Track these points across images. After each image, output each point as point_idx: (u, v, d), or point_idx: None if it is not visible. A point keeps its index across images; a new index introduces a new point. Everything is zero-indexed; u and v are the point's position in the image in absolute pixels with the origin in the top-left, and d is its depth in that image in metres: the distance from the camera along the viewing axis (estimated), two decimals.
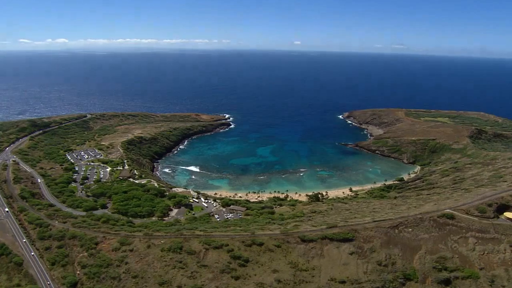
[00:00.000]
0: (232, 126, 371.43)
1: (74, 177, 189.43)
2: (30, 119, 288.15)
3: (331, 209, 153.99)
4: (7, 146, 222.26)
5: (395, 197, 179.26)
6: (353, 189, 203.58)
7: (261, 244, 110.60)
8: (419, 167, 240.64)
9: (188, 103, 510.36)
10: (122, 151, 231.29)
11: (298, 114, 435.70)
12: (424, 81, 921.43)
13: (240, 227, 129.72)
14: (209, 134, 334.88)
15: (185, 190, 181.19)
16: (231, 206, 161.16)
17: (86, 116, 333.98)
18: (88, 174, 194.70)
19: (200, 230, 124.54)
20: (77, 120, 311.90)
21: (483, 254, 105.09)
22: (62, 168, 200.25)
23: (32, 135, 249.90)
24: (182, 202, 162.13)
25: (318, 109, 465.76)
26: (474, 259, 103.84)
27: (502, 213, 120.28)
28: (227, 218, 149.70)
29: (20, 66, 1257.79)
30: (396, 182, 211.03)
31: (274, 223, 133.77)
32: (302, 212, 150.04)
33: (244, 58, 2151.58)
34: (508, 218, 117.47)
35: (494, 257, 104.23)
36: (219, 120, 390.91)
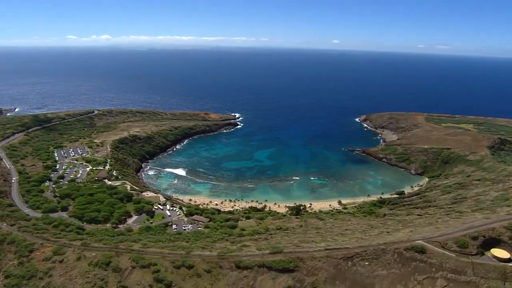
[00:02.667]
0: (239, 126, 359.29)
1: (51, 175, 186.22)
2: (34, 114, 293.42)
3: (301, 226, 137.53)
4: None
5: (384, 215, 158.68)
6: (343, 201, 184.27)
7: (190, 267, 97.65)
8: (426, 180, 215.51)
9: (209, 101, 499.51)
10: (109, 150, 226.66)
11: (312, 116, 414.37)
12: (462, 83, 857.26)
13: (187, 242, 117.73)
14: (212, 134, 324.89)
15: (155, 195, 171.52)
16: (194, 216, 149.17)
17: (93, 112, 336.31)
18: (66, 173, 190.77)
19: (142, 244, 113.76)
20: (81, 116, 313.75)
21: None
22: (43, 165, 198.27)
23: (29, 130, 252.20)
24: (144, 209, 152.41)
25: (335, 111, 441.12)
26: None
27: (489, 250, 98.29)
28: (184, 229, 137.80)
29: (65, 61, 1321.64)
30: (394, 196, 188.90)
31: (227, 240, 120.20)
32: (266, 228, 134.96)
33: (279, 56, 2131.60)
34: (495, 257, 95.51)
35: None
36: (228, 119, 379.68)
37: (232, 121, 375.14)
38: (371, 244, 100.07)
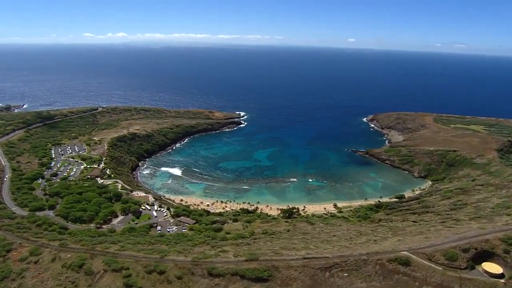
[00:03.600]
0: (242, 125, 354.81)
1: (44, 173, 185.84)
2: (37, 111, 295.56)
3: (288, 230, 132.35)
4: None
5: (379, 220, 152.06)
6: (339, 205, 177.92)
7: (162, 273, 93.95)
8: (429, 183, 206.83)
9: (217, 99, 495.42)
10: (106, 147, 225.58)
11: (319, 115, 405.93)
12: (476, 83, 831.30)
13: (166, 245, 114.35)
14: (214, 132, 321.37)
15: (145, 194, 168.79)
16: (181, 217, 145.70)
17: (97, 109, 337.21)
18: (60, 171, 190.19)
19: (120, 246, 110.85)
20: (85, 113, 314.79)
21: None
22: (38, 163, 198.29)
23: (30, 127, 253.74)
24: (131, 209, 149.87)
25: (343, 110, 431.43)
26: None
27: (480, 263, 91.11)
28: (169, 231, 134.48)
29: (78, 59, 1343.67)
30: (393, 200, 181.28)
31: (208, 244, 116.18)
32: (252, 232, 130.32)
33: (292, 55, 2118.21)
34: (486, 272, 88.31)
35: None
36: (232, 118, 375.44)
37: (236, 119, 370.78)
38: (352, 254, 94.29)
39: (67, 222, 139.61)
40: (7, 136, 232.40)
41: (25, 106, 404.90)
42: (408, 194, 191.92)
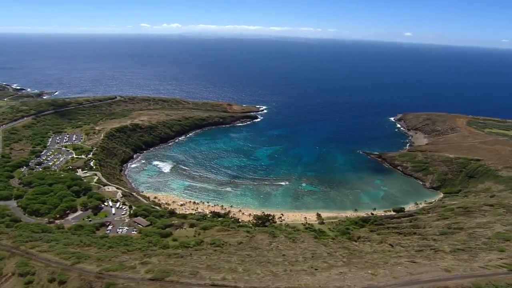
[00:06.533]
0: (258, 119, 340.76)
1: (30, 161, 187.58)
2: (54, 99, 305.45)
3: (241, 243, 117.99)
4: (4, 123, 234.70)
5: (358, 237, 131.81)
6: (324, 215, 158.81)
7: (62, 283, 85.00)
8: (441, 196, 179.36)
9: (246, 92, 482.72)
10: (102, 138, 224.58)
11: (344, 113, 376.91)
12: None
13: (99, 249, 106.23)
14: (224, 126, 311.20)
15: (115, 190, 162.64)
16: (138, 217, 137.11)
17: (114, 98, 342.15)
18: (47, 160, 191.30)
19: (49, 246, 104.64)
20: (100, 102, 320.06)
21: None
22: (31, 150, 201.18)
23: (39, 114, 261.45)
24: (91, 204, 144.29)
25: (371, 108, 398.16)
26: None
27: None
28: (118, 232, 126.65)
29: (126, 48, 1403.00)
30: (388, 213, 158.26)
31: (142, 251, 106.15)
32: (199, 241, 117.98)
33: (344, 49, 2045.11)
34: None
35: None
36: (249, 111, 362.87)
37: (253, 113, 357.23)
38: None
39: (24, 214, 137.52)
40: (14, 122, 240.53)
41: (56, 93, 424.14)
42: (410, 207, 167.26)
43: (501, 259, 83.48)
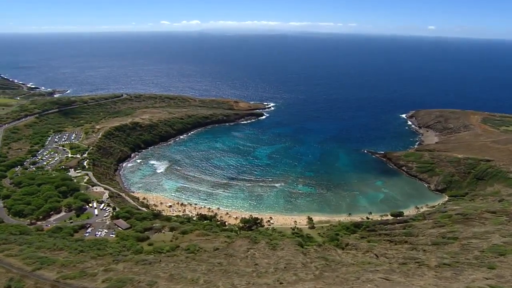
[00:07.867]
0: (263, 117, 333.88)
1: (25, 161, 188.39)
2: (59, 98, 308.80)
3: (217, 249, 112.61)
4: (7, 123, 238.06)
5: (347, 245, 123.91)
6: (315, 218, 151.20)
7: None
8: (445, 199, 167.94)
9: (256, 88, 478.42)
10: (99, 136, 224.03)
11: (354, 110, 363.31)
12: None
13: (69, 253, 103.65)
14: (227, 124, 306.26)
15: (103, 190, 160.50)
16: (119, 220, 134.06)
17: (121, 96, 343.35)
18: (42, 159, 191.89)
19: (19, 250, 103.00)
20: (105, 100, 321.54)
21: None
22: (28, 150, 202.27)
23: (42, 113, 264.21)
24: (75, 206, 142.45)
25: (383, 105, 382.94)
26: None
27: None
28: (96, 235, 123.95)
29: (145, 46, 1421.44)
30: (383, 218, 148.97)
31: (112, 256, 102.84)
32: (175, 246, 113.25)
33: (364, 44, 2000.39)
34: None
35: None
36: (256, 109, 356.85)
37: (259, 111, 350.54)
38: None
39: (8, 215, 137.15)
40: (17, 121, 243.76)
41: (68, 92, 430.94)
42: (409, 212, 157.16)
43: (487, 279, 74.24)
